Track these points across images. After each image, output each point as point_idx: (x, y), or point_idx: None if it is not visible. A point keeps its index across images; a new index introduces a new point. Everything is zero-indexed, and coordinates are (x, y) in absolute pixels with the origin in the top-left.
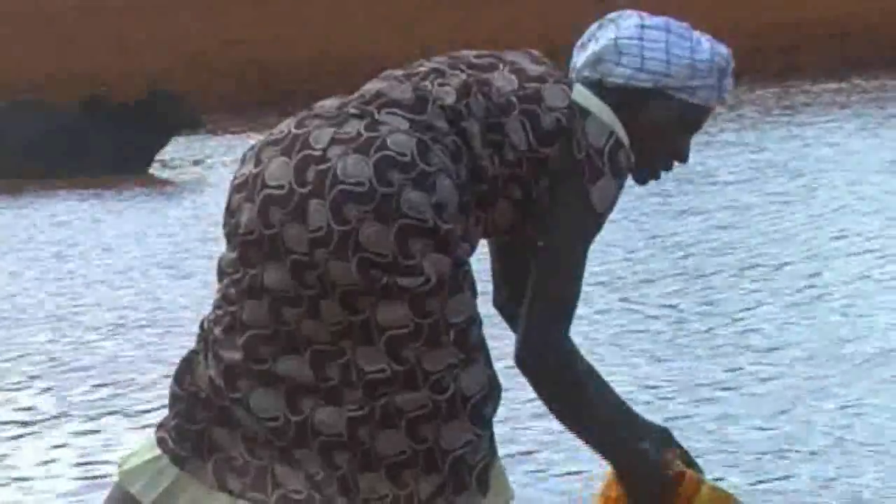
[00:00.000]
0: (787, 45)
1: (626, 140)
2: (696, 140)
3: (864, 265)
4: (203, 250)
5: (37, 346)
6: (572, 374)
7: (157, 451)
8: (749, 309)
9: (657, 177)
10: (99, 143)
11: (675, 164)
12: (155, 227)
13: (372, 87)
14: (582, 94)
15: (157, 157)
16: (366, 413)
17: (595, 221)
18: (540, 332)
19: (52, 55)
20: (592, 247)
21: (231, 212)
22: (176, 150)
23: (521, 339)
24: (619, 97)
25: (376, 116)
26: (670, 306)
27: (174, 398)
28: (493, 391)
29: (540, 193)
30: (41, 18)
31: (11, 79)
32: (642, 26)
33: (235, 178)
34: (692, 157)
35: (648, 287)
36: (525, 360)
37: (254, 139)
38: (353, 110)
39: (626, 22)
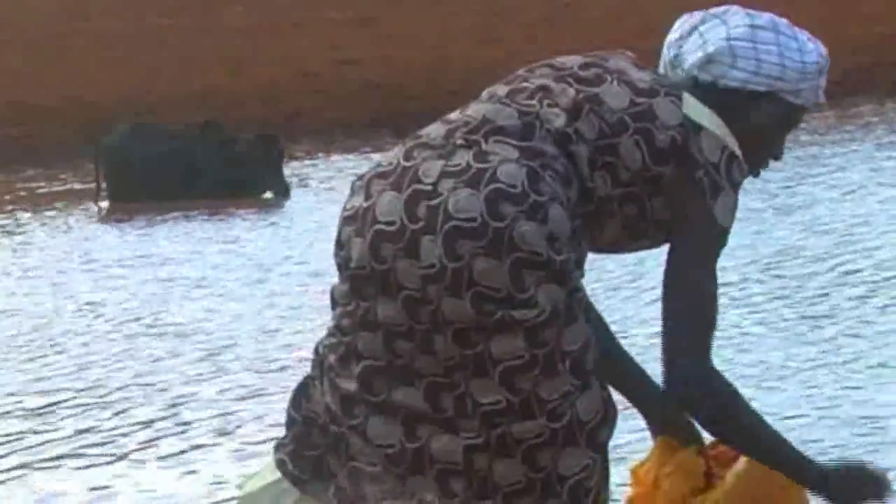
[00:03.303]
0: None
1: (738, 150)
2: None
3: None
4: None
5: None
6: (729, 397)
7: (278, 474)
8: None
9: (757, 175)
10: (212, 166)
11: (765, 168)
12: (269, 246)
13: (477, 111)
14: (693, 107)
15: (268, 181)
16: (482, 442)
17: (721, 237)
18: (690, 360)
19: (168, 76)
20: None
21: (341, 244)
22: (288, 170)
23: (672, 368)
24: (730, 98)
25: (484, 147)
26: None
27: (291, 422)
28: (608, 414)
29: (654, 211)
30: (157, 40)
31: (130, 100)
32: (753, 26)
33: (345, 210)
34: None
35: None
36: (679, 390)
37: (366, 158)
38: (460, 140)
39: (736, 20)
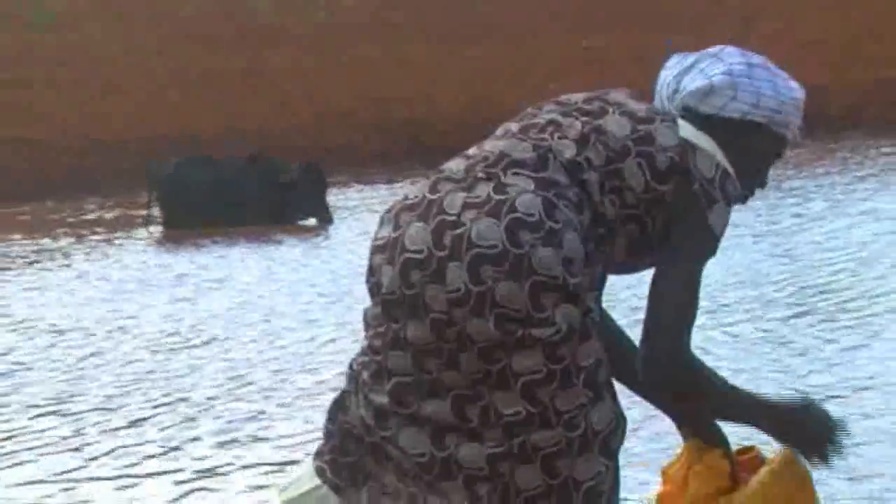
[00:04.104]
0: None
1: (731, 169)
2: None
3: None
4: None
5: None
6: (702, 376)
7: (318, 481)
8: None
9: (745, 202)
10: (259, 195)
11: (753, 193)
12: (311, 270)
13: (494, 146)
14: (687, 130)
15: (311, 209)
16: (505, 450)
17: (713, 243)
18: (669, 344)
19: (219, 112)
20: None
21: (372, 271)
22: (328, 198)
23: (650, 349)
24: (727, 129)
25: (502, 179)
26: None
27: (328, 433)
28: (619, 424)
29: (657, 227)
30: (211, 79)
31: (184, 134)
32: (749, 64)
33: (375, 239)
34: None
35: None
36: (653, 370)
37: (400, 188)
38: (480, 174)
39: (733, 58)
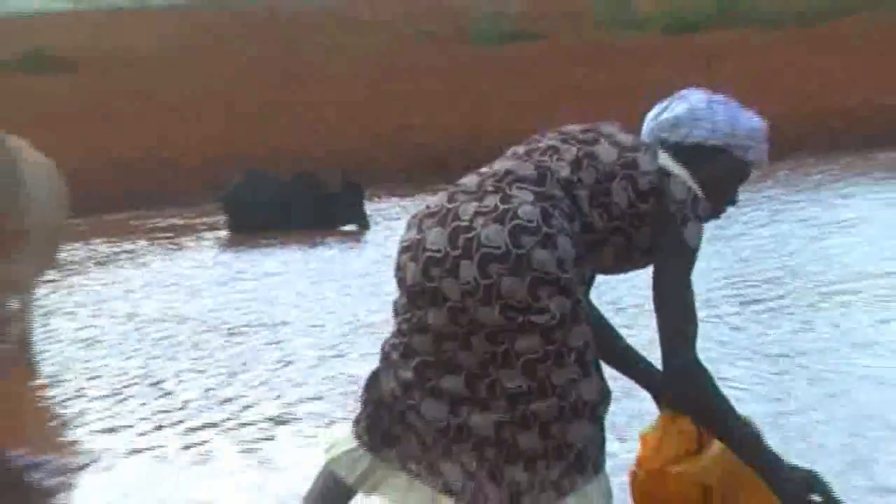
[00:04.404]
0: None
1: (699, 192)
2: None
3: None
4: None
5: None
6: (714, 388)
7: (356, 443)
8: None
9: (718, 218)
10: (304, 206)
11: (724, 211)
12: (351, 267)
13: (502, 165)
14: (665, 160)
15: (351, 217)
16: (508, 418)
17: (690, 256)
18: (679, 357)
19: (275, 137)
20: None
21: (400, 267)
22: (365, 208)
23: (667, 364)
24: (694, 153)
25: (508, 192)
26: None
27: (364, 402)
28: (605, 396)
29: (640, 239)
30: (270, 110)
31: (247, 156)
32: (710, 100)
33: (402, 241)
34: None
35: None
36: (673, 384)
37: (419, 200)
38: (489, 187)
39: (696, 97)
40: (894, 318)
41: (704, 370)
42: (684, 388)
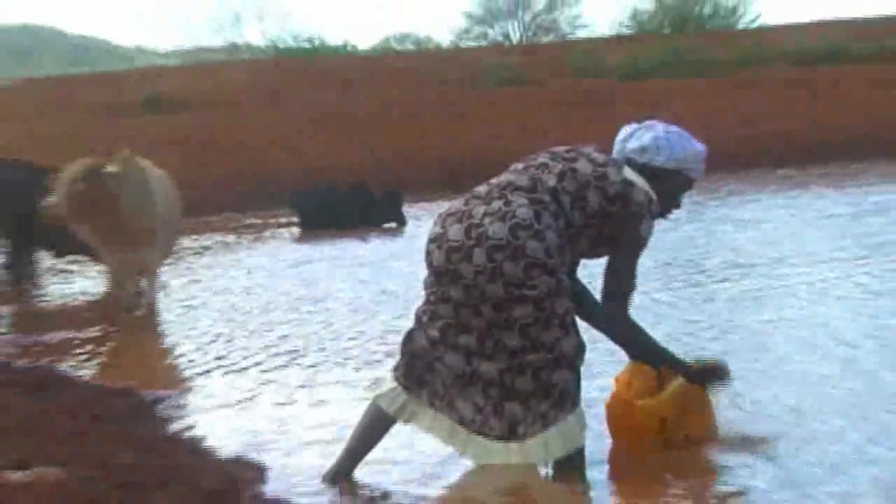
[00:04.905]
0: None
1: (654, 197)
2: None
3: None
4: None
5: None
6: (638, 328)
7: (395, 384)
8: None
9: (666, 217)
10: (356, 208)
11: (671, 213)
12: (375, 260)
13: (505, 177)
14: (628, 172)
15: (391, 216)
16: (508, 366)
17: (642, 244)
18: (619, 307)
19: (331, 156)
20: None
21: (428, 254)
22: (403, 209)
23: (609, 310)
24: (655, 173)
25: (509, 198)
26: None
27: (402, 354)
28: (581, 351)
29: (607, 233)
30: (327, 131)
31: (315, 169)
32: (668, 131)
33: (430, 234)
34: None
35: None
36: (611, 324)
37: (442, 206)
38: (496, 194)
39: (658, 128)
40: (770, 289)
41: (628, 314)
42: (615, 322)
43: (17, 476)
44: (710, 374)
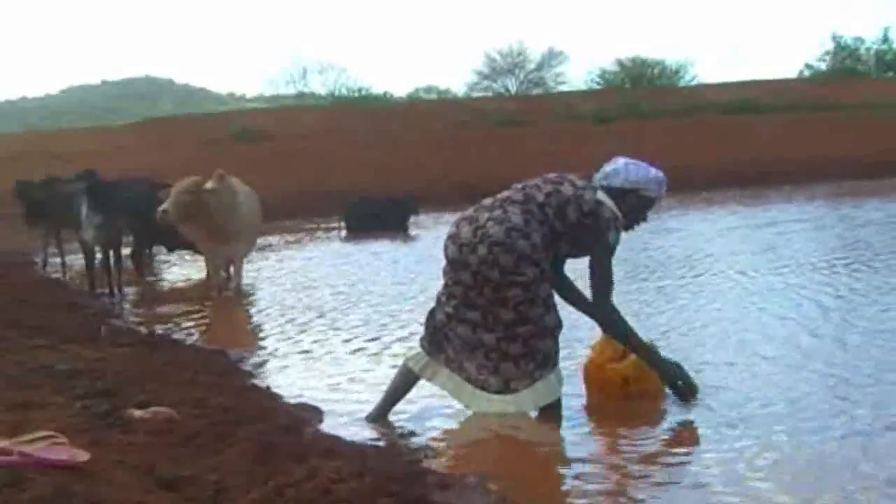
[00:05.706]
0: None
1: (620, 216)
2: None
3: None
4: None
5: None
6: (622, 319)
7: (420, 350)
8: None
9: (631, 230)
10: (391, 217)
11: (638, 225)
12: (405, 255)
13: (506, 194)
14: (600, 194)
15: (408, 223)
16: (504, 335)
17: (611, 250)
18: (603, 298)
19: (373, 177)
20: None
21: (446, 248)
22: (416, 219)
23: (595, 300)
24: (619, 193)
25: (506, 209)
26: None
27: (426, 326)
28: (559, 325)
29: (583, 240)
30: (367, 160)
31: (360, 185)
32: (627, 163)
33: (448, 234)
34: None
35: None
36: (598, 316)
37: (455, 214)
38: (497, 206)
39: (620, 160)
40: (683, 279)
41: (614, 308)
42: (604, 317)
43: (139, 413)
44: (680, 382)
